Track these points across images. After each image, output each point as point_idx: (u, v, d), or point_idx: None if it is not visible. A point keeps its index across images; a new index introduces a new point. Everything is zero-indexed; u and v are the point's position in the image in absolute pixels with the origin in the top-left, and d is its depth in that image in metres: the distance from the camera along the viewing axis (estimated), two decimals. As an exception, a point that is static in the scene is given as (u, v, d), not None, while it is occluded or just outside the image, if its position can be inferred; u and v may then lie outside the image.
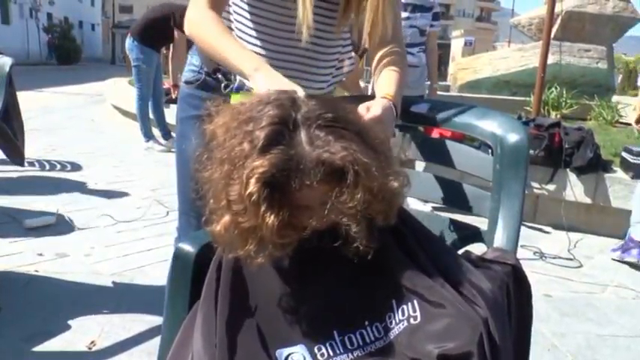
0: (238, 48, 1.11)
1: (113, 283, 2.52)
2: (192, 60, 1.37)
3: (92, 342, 2.01)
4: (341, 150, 0.76)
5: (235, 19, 1.24)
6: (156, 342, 1.64)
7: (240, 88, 1.24)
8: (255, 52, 1.23)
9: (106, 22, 42.35)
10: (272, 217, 0.76)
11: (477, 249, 1.05)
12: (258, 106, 0.81)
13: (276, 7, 1.19)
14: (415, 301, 0.84)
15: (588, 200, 3.79)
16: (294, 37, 1.17)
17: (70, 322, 2.13)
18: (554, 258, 3.26)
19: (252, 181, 0.74)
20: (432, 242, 0.94)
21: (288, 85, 0.96)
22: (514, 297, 0.94)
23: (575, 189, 3.80)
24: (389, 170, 0.82)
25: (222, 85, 1.27)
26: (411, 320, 0.83)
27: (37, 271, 2.57)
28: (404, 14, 3.93)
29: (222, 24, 1.15)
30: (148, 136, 5.81)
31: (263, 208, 0.75)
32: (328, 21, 1.23)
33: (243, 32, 1.24)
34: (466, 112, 1.19)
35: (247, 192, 0.75)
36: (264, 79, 1.00)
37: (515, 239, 1.06)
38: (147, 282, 2.54)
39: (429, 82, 4.27)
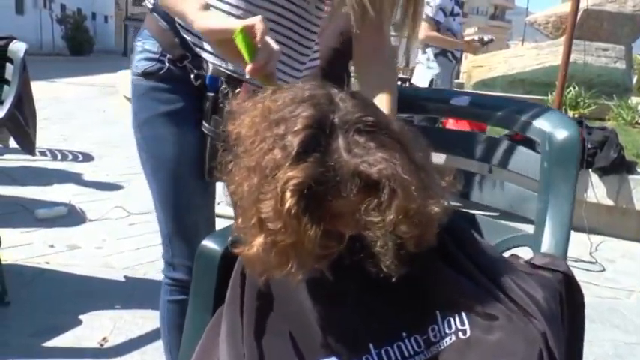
0: None
1: (125, 277, 2.46)
2: (146, 46, 1.16)
3: (104, 338, 1.95)
4: (381, 161, 0.66)
5: None
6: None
7: (215, 81, 1.09)
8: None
9: (119, 14, 42.44)
10: (314, 228, 0.67)
11: (520, 253, 0.97)
12: (290, 105, 0.71)
13: None
14: (463, 313, 0.77)
15: (610, 202, 3.69)
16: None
17: (80, 317, 2.07)
18: (575, 261, 3.16)
19: (288, 194, 0.65)
20: (477, 246, 0.86)
21: (232, 23, 0.88)
22: (566, 307, 0.87)
23: (597, 190, 3.70)
24: (431, 191, 0.71)
25: (192, 76, 1.11)
26: (460, 334, 0.76)
27: (47, 262, 2.52)
28: (458, 10, 4.07)
29: None
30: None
31: (304, 222, 0.66)
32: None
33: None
34: (509, 106, 1.11)
35: (285, 207, 0.66)
36: (207, 18, 0.92)
37: (564, 244, 0.99)
38: (159, 277, 2.47)
39: None
